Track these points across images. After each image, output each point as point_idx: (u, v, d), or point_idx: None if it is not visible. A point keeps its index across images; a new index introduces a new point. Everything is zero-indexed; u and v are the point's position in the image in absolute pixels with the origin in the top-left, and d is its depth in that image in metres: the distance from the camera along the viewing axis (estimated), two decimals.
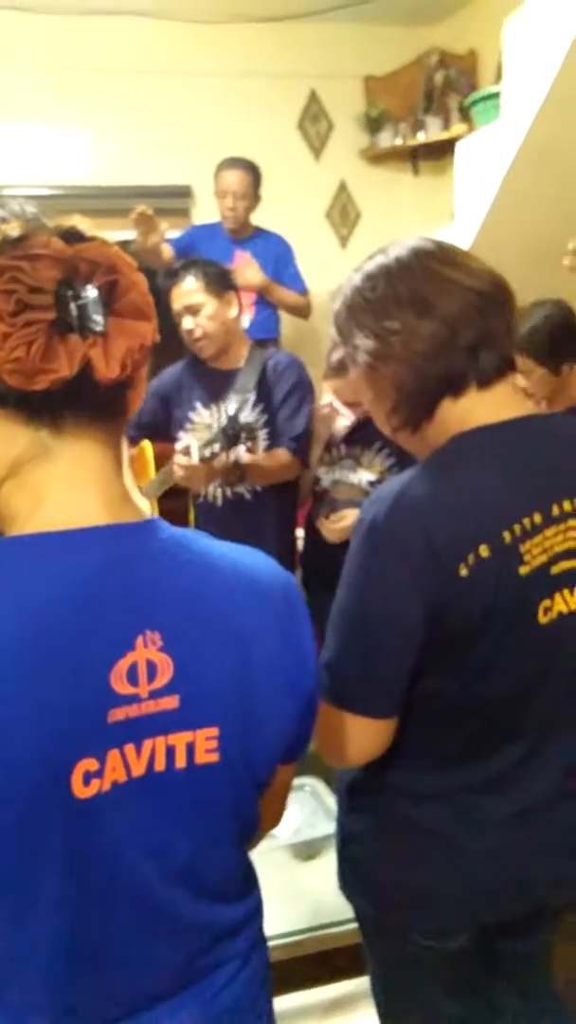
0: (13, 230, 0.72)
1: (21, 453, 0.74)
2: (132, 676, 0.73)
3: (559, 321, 2.22)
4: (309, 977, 1.89)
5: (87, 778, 0.71)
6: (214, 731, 0.77)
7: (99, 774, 0.72)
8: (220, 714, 0.77)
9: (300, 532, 2.74)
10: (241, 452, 2.15)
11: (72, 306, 0.71)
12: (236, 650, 0.79)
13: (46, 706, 0.69)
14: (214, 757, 0.77)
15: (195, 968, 0.83)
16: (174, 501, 2.60)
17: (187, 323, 2.41)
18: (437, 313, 1.06)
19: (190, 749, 0.76)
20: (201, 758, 0.77)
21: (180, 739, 0.76)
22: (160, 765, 0.75)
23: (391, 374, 1.10)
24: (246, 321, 3.43)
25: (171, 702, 0.75)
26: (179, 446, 2.20)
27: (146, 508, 0.83)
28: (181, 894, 0.79)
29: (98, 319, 0.72)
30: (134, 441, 2.68)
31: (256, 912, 0.92)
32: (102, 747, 0.72)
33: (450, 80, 4.22)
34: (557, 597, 1.07)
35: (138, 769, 0.74)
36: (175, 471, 2.23)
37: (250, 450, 2.16)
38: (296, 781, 1.96)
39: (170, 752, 0.75)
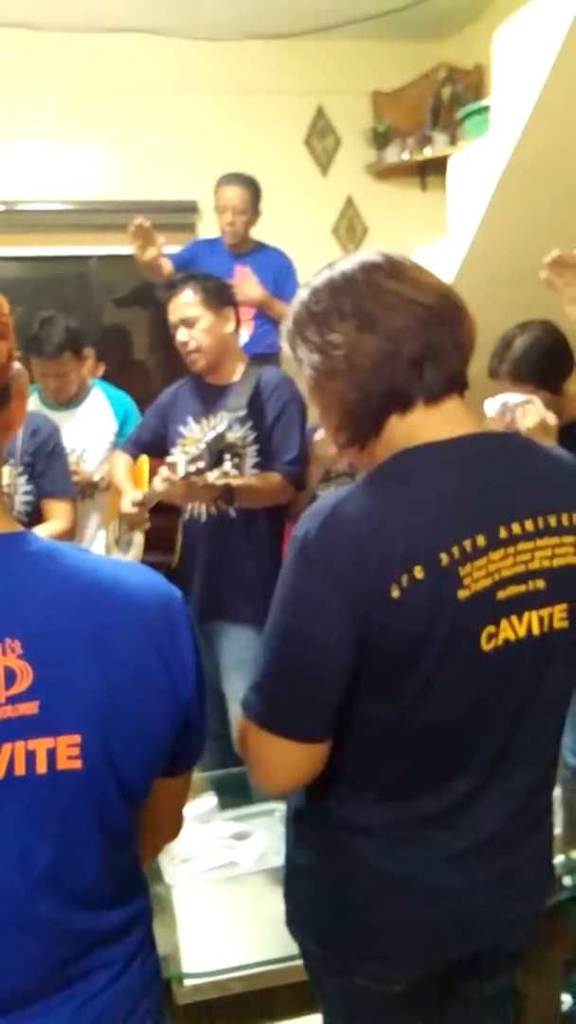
0: None
1: None
2: None
3: (548, 343, 2.23)
4: (291, 1006, 1.84)
5: None
6: (76, 739, 0.79)
7: None
8: (83, 722, 0.79)
9: None
10: (227, 468, 2.12)
11: None
12: (102, 661, 0.80)
13: None
14: (76, 764, 0.79)
15: (67, 973, 0.84)
16: (165, 518, 2.57)
17: (181, 335, 2.39)
18: (380, 327, 1.03)
19: (51, 755, 0.78)
20: (63, 764, 0.78)
21: (40, 744, 0.77)
22: (20, 769, 0.77)
23: (335, 390, 1.07)
24: (245, 335, 3.41)
25: (30, 708, 0.76)
26: (168, 460, 2.17)
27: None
28: (45, 899, 0.81)
29: None
30: (134, 458, 2.67)
31: (139, 919, 0.92)
32: None
33: (457, 95, 4.20)
34: (504, 623, 1.02)
35: None
36: (155, 484, 2.21)
37: (236, 467, 2.12)
38: (265, 807, 1.92)
39: (30, 757, 0.77)
